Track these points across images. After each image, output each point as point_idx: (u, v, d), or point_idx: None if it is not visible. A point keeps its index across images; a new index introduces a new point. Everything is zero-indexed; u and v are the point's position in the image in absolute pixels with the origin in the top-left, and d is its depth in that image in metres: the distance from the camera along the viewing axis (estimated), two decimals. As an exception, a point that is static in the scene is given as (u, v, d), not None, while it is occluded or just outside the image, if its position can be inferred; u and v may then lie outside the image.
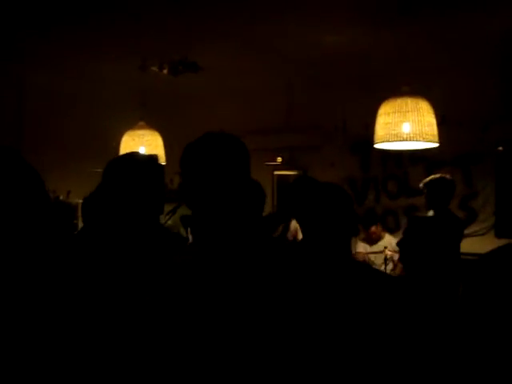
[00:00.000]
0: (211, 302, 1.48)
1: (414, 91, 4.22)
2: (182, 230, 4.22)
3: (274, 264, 1.55)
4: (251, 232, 1.61)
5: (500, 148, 5.99)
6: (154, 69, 5.75)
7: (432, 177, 4.60)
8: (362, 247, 6.21)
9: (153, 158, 2.33)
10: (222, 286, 1.49)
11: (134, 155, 2.43)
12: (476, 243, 5.59)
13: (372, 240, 6.20)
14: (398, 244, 2.65)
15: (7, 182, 1.76)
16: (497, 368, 1.91)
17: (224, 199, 1.59)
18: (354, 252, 5.98)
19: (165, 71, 5.77)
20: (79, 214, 6.30)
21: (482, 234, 6.29)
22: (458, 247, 4.29)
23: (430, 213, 4.53)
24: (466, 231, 6.13)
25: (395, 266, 5.53)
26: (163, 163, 5.30)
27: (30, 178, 1.81)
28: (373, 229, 6.22)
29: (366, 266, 2.17)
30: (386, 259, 5.58)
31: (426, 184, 4.60)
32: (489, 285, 2.07)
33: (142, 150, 5.51)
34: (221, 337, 1.46)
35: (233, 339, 1.46)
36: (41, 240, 1.84)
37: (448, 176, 4.65)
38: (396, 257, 5.45)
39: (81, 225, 6.13)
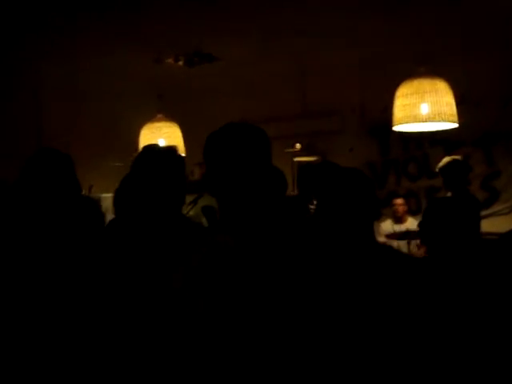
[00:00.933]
0: (234, 301, 1.50)
1: (431, 72, 4.18)
2: (204, 221, 4.25)
3: (299, 249, 1.57)
4: (275, 217, 1.63)
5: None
6: (170, 61, 5.76)
7: (445, 161, 4.73)
8: (388, 225, 6.20)
9: (172, 150, 2.35)
10: (244, 283, 1.50)
11: (153, 148, 2.45)
12: (499, 223, 5.55)
13: (397, 216, 6.18)
14: (418, 225, 2.67)
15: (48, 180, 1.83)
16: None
17: (248, 187, 1.62)
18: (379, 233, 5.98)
19: (180, 63, 5.78)
20: (102, 207, 6.36)
21: (506, 214, 6.23)
22: (478, 226, 4.31)
23: (449, 194, 4.61)
24: (489, 211, 6.11)
25: (419, 247, 5.51)
26: (183, 154, 5.32)
27: (69, 177, 1.87)
28: (397, 201, 6.22)
29: (388, 248, 2.17)
30: (408, 242, 5.56)
31: (440, 169, 4.77)
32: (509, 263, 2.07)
33: (162, 143, 5.53)
34: (228, 336, 1.48)
35: (243, 338, 1.47)
36: (73, 233, 1.89)
37: (459, 157, 4.78)
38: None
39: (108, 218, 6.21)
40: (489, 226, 4.64)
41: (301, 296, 1.51)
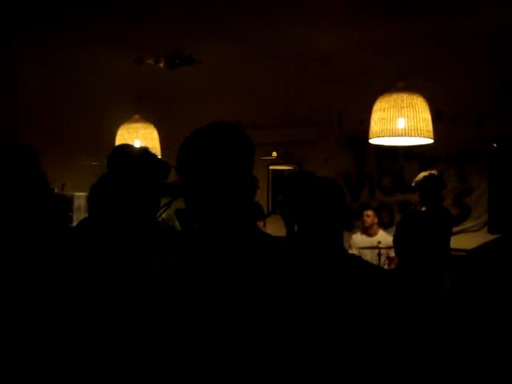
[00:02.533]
0: (205, 298, 1.49)
1: (410, 87, 4.23)
2: (177, 224, 4.22)
3: (267, 258, 1.56)
4: (244, 225, 1.62)
5: (494, 145, 6.03)
6: (150, 62, 5.74)
7: (422, 175, 4.81)
8: (358, 238, 6.23)
9: (147, 151, 2.33)
10: (216, 282, 1.50)
11: (125, 148, 2.43)
12: (470, 239, 5.62)
13: (367, 228, 6.22)
14: (393, 237, 2.71)
15: (9, 174, 1.79)
16: (484, 360, 1.93)
17: (222, 191, 1.57)
18: (348, 245, 6.01)
19: (161, 64, 5.75)
20: (73, 206, 6.30)
21: (476, 230, 6.31)
22: (448, 241, 4.42)
23: (423, 209, 4.69)
24: (460, 227, 6.19)
25: (390, 261, 5.55)
26: (158, 156, 5.30)
27: (33, 173, 1.83)
28: (367, 212, 6.26)
29: (357, 258, 2.18)
30: (379, 254, 5.60)
31: (416, 183, 4.86)
32: (476, 279, 2.09)
33: (137, 144, 5.50)
34: (216, 334, 1.47)
35: (228, 337, 1.46)
36: (37, 231, 1.85)
37: (436, 172, 4.86)
38: (391, 252, 5.49)
39: (75, 217, 6.16)
40: (460, 242, 4.71)
41: (272, 300, 1.51)
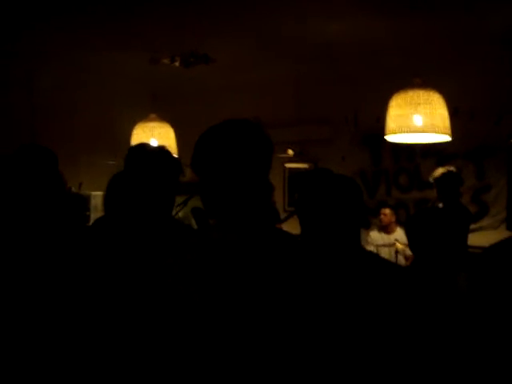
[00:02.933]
0: (222, 298, 1.48)
1: (426, 83, 4.19)
2: (193, 222, 4.24)
3: (285, 257, 1.55)
4: (260, 224, 1.61)
5: (512, 141, 5.97)
6: (166, 61, 5.76)
7: (440, 171, 4.75)
8: (376, 235, 6.21)
9: (163, 149, 2.33)
10: (233, 281, 1.49)
11: (143, 147, 2.44)
12: (487, 237, 5.56)
13: (384, 226, 6.19)
14: (406, 234, 2.70)
15: (28, 176, 1.81)
16: (498, 357, 1.92)
17: (239, 189, 1.55)
18: (365, 242, 5.99)
19: (176, 63, 5.77)
20: (90, 205, 6.34)
21: (494, 228, 6.25)
22: (465, 238, 4.37)
23: (440, 205, 4.64)
24: (478, 225, 6.13)
25: (407, 259, 5.52)
26: (175, 155, 5.31)
27: (51, 174, 1.85)
28: (384, 211, 6.24)
29: (374, 255, 2.17)
30: (396, 252, 5.57)
31: (434, 179, 4.78)
32: (495, 276, 2.07)
33: (154, 142, 5.52)
34: (233, 334, 1.47)
35: (245, 338, 1.46)
36: (55, 229, 1.86)
37: (454, 168, 4.80)
38: (408, 250, 5.46)
39: (93, 216, 6.19)
40: (478, 239, 4.66)
41: (291, 297, 1.50)
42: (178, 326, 1.51)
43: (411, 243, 2.65)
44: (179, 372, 1.49)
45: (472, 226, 5.27)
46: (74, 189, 6.88)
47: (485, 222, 6.33)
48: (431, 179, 4.83)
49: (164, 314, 1.53)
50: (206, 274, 1.52)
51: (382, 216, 6.25)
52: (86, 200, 6.27)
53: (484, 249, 2.26)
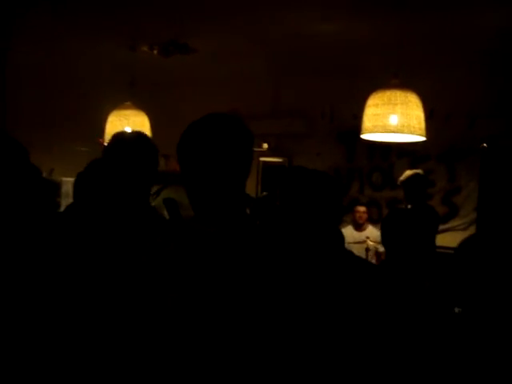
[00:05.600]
0: (204, 291, 1.48)
1: (404, 84, 4.22)
2: (165, 213, 4.21)
3: (265, 251, 1.55)
4: (241, 217, 1.61)
5: (485, 145, 6.06)
6: (145, 49, 5.69)
7: (406, 174, 4.85)
8: (348, 232, 6.24)
9: (143, 136, 2.30)
10: (214, 274, 1.49)
11: (124, 135, 2.41)
12: (457, 237, 5.63)
13: (359, 223, 6.23)
14: (381, 234, 2.76)
15: None
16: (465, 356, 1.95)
17: (224, 182, 1.56)
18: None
19: (155, 52, 5.71)
20: (62, 191, 6.26)
21: (463, 229, 6.34)
22: (434, 239, 4.45)
23: (409, 206, 4.74)
24: (447, 225, 6.21)
25: (378, 256, 5.57)
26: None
27: (16, 155, 1.80)
28: (360, 208, 6.26)
29: (350, 253, 2.19)
30: (367, 249, 5.62)
31: (401, 182, 4.93)
32: (462, 275, 2.11)
33: (128, 131, 5.46)
34: (215, 329, 1.46)
35: (227, 331, 1.46)
36: (24, 215, 1.82)
37: (421, 171, 4.90)
38: (379, 247, 5.52)
39: (64, 202, 6.12)
40: (447, 240, 4.72)
41: (272, 290, 1.50)
42: (157, 321, 1.50)
43: (385, 242, 2.71)
44: (162, 365, 1.48)
45: (441, 227, 5.34)
46: (45, 174, 6.79)
47: (453, 223, 6.42)
48: (399, 182, 4.96)
49: (144, 307, 1.52)
50: (186, 266, 1.51)
51: (359, 214, 6.27)
52: (57, 186, 6.19)
53: (454, 249, 2.31)
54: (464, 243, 2.28)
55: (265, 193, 5.30)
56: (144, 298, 1.54)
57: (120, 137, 2.30)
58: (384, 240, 2.75)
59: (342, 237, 2.20)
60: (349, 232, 6.26)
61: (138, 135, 2.28)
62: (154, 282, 1.53)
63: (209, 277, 1.48)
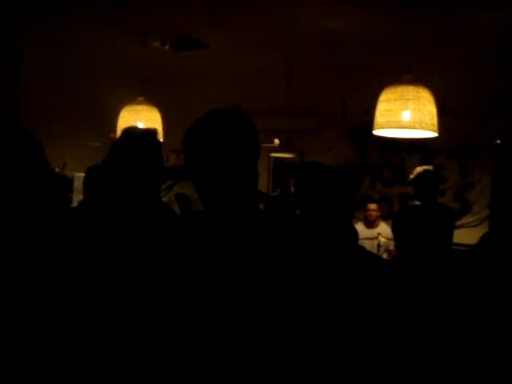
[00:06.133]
0: (215, 286, 1.48)
1: (416, 79, 4.20)
2: (177, 208, 4.22)
3: (274, 248, 1.56)
4: (251, 210, 1.61)
5: (498, 141, 6.01)
6: (157, 44, 5.71)
7: (416, 171, 4.80)
8: (359, 229, 6.22)
9: (151, 133, 2.31)
10: (225, 269, 1.49)
11: (132, 131, 2.42)
12: (469, 234, 5.61)
13: (370, 221, 6.21)
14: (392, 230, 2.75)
15: (5, 151, 1.75)
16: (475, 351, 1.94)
17: (230, 177, 1.58)
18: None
19: (167, 47, 5.72)
20: (74, 186, 6.29)
21: (475, 226, 6.31)
22: (450, 235, 4.41)
23: (417, 203, 4.71)
24: (460, 222, 6.18)
25: (389, 253, 5.55)
26: (161, 140, 5.27)
27: (30, 149, 1.80)
28: (371, 206, 6.24)
29: (362, 249, 2.19)
30: (379, 246, 5.60)
31: (411, 179, 4.84)
32: (476, 274, 2.10)
33: (140, 126, 5.48)
34: (226, 323, 1.46)
35: (236, 325, 1.46)
36: (36, 210, 1.83)
37: (431, 167, 4.84)
38: (390, 244, 5.50)
39: (76, 197, 6.16)
40: (459, 237, 4.70)
41: (283, 286, 1.51)
42: (171, 314, 1.50)
43: (397, 238, 2.70)
44: (172, 363, 1.49)
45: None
46: (57, 169, 6.82)
47: (466, 219, 6.39)
48: (409, 179, 4.90)
49: (156, 302, 1.52)
50: (198, 262, 1.51)
51: (370, 211, 6.25)
52: (69, 181, 6.22)
53: (471, 246, 2.30)
54: (482, 241, 2.26)
55: (278, 191, 5.27)
56: (151, 294, 1.54)
57: (126, 133, 2.31)
58: (395, 236, 2.74)
59: (355, 233, 2.20)
60: (360, 229, 6.24)
61: (144, 131, 2.29)
62: (161, 278, 1.54)
63: (218, 271, 1.49)
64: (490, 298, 2.06)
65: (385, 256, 5.56)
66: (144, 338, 1.55)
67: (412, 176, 4.84)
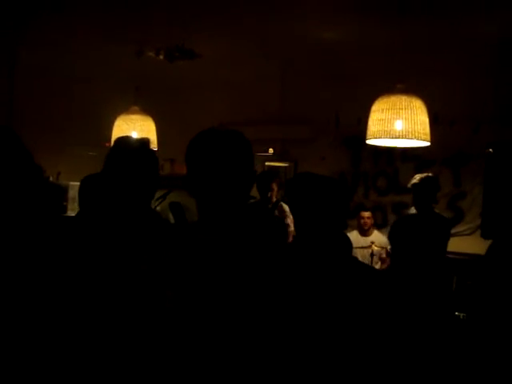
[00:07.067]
0: (205, 294, 1.50)
1: (409, 89, 4.23)
2: (171, 217, 4.23)
3: (267, 257, 1.58)
4: (246, 221, 1.64)
5: (490, 150, 6.05)
6: (151, 54, 5.73)
7: (418, 177, 4.77)
8: (353, 237, 6.23)
9: (144, 143, 2.33)
10: (217, 278, 1.51)
11: (125, 140, 2.43)
12: (462, 242, 5.64)
13: (364, 229, 6.22)
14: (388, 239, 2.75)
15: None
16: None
17: (228, 193, 1.64)
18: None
19: (161, 57, 5.75)
20: (69, 195, 6.29)
21: (468, 234, 6.33)
22: (444, 244, 4.40)
23: (413, 210, 4.69)
24: (453, 230, 6.19)
25: (382, 261, 5.56)
26: (155, 148, 5.29)
27: (23, 158, 1.81)
28: (365, 214, 6.25)
29: (354, 259, 2.21)
30: (372, 254, 5.61)
31: (413, 185, 4.82)
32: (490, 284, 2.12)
33: (135, 135, 5.49)
34: (214, 331, 1.48)
35: (229, 336, 1.47)
36: (29, 219, 1.84)
37: (431, 174, 4.82)
38: (383, 253, 5.51)
39: (70, 206, 6.15)
40: (452, 245, 4.71)
41: (279, 298, 1.52)
42: (156, 322, 1.51)
43: (394, 249, 2.70)
44: (163, 365, 1.50)
45: (446, 232, 5.32)
46: (52, 178, 6.82)
47: (459, 228, 6.41)
48: (410, 185, 4.87)
49: (145, 309, 1.53)
50: (188, 269, 1.53)
51: (364, 219, 6.26)
52: (63, 190, 6.22)
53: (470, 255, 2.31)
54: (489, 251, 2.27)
55: (256, 198, 5.28)
56: (144, 300, 1.56)
57: (119, 143, 2.32)
58: (392, 246, 2.73)
59: (349, 243, 2.22)
60: (354, 237, 6.25)
61: (138, 141, 2.30)
62: (154, 286, 1.56)
63: (211, 280, 1.50)
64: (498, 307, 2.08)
65: (378, 264, 5.57)
66: (134, 342, 1.56)
67: (415, 181, 4.79)
